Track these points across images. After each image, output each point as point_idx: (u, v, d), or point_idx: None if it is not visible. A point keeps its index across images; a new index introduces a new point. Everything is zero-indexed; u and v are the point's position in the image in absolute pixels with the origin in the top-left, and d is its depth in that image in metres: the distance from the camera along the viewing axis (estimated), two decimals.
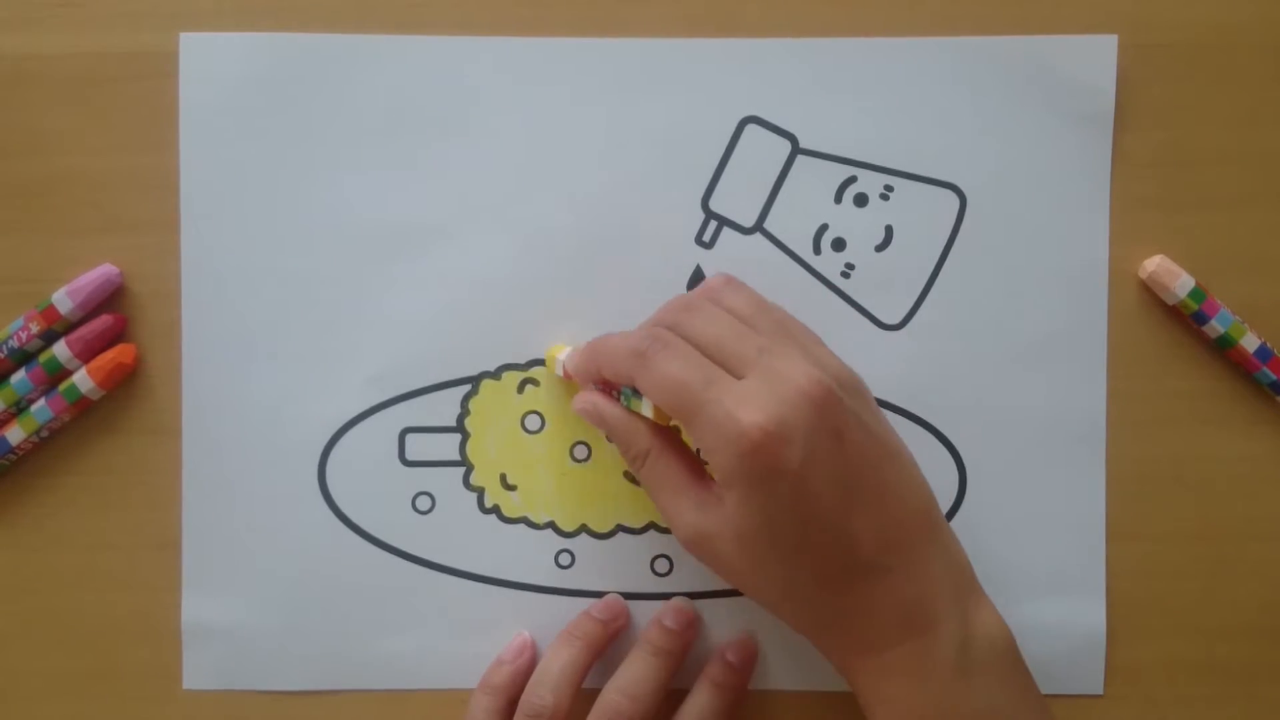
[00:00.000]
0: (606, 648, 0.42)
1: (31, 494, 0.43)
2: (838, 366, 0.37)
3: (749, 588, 0.37)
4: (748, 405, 0.34)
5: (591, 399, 0.39)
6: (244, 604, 0.43)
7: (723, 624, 0.43)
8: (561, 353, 0.42)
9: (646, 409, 0.37)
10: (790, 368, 0.35)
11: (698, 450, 0.40)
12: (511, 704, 0.41)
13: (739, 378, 0.35)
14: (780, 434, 0.33)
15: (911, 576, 0.36)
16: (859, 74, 0.43)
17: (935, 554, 0.36)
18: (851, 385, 0.37)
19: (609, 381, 0.39)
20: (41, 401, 0.42)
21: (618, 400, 0.39)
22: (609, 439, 0.39)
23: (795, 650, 0.43)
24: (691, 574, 0.43)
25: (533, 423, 0.43)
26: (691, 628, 0.42)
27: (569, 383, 0.42)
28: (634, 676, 0.40)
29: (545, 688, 0.40)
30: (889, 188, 0.43)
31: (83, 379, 0.42)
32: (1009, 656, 0.37)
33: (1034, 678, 0.37)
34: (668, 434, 0.38)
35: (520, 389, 0.43)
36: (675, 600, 0.43)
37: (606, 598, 0.43)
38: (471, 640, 0.43)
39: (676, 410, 0.35)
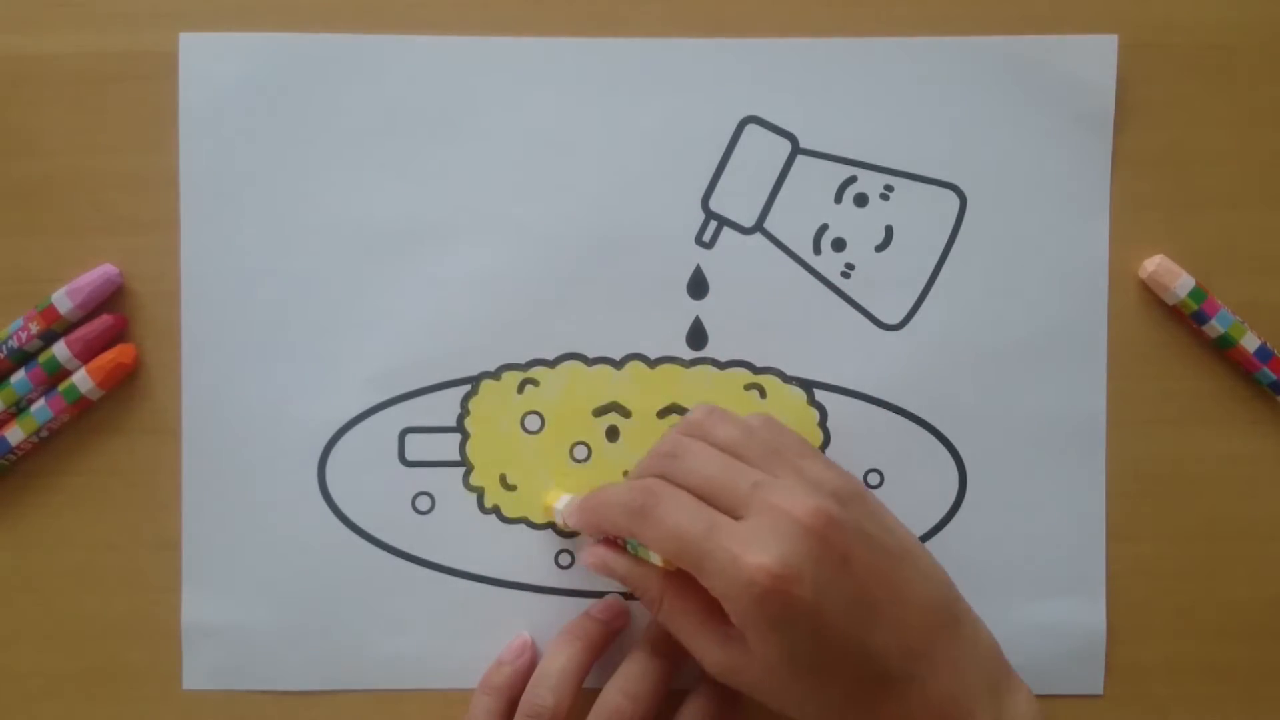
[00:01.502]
0: (607, 648, 0.42)
1: (31, 494, 0.43)
2: (834, 479, 0.37)
3: (788, 712, 0.37)
4: (752, 548, 0.34)
5: (600, 554, 0.39)
6: (244, 604, 0.43)
7: None
8: (559, 502, 0.42)
9: (655, 557, 0.37)
10: (787, 500, 0.35)
11: None
12: (512, 705, 0.41)
13: (737, 517, 0.35)
14: (788, 573, 0.33)
15: (940, 679, 0.35)
16: (859, 74, 0.43)
17: (961, 649, 0.36)
18: (849, 494, 0.36)
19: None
20: (41, 401, 0.42)
21: (624, 549, 0.39)
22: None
23: None
24: None
25: (533, 423, 0.43)
26: None
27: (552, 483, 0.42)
28: (634, 676, 0.40)
29: (545, 688, 0.40)
30: (889, 188, 0.43)
31: (82, 379, 0.42)
32: None
33: (1034, 678, 0.37)
34: (680, 575, 0.37)
35: (520, 389, 0.43)
36: None
37: (606, 598, 0.43)
38: (471, 640, 0.43)
39: (682, 561, 0.35)
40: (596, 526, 0.39)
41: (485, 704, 0.41)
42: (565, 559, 0.43)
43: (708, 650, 0.37)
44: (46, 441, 0.43)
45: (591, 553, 0.40)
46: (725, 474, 0.36)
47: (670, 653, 0.41)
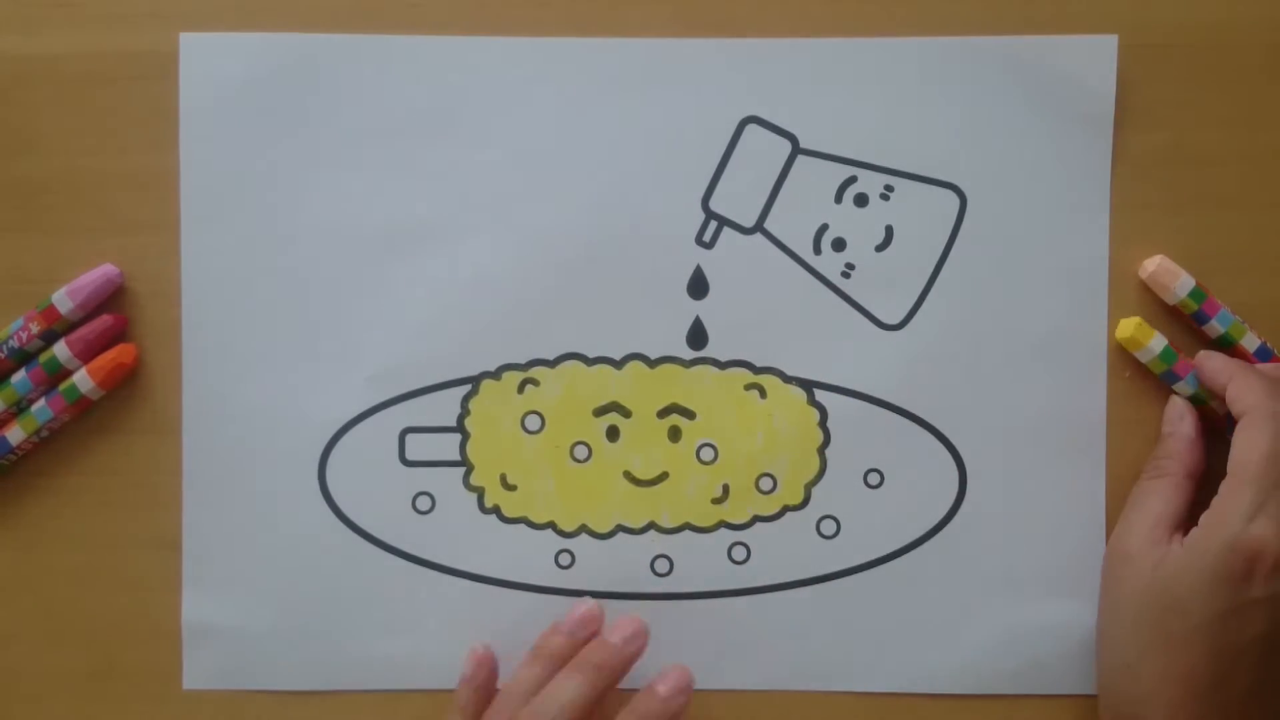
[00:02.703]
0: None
1: (31, 494, 0.43)
2: None
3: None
4: None
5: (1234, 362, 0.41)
6: (244, 604, 0.43)
7: (693, 626, 0.43)
8: (1153, 340, 0.42)
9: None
10: None
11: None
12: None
13: None
14: None
15: None
16: (859, 74, 0.43)
17: None
18: None
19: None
20: (41, 401, 0.42)
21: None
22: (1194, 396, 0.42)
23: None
24: (690, 574, 0.43)
25: (533, 423, 0.43)
26: (637, 639, 0.41)
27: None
28: (561, 701, 0.38)
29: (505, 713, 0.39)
30: (889, 188, 0.43)
31: (83, 379, 0.42)
32: None
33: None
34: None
35: (520, 389, 0.43)
36: (623, 618, 0.41)
37: (577, 607, 0.42)
38: (471, 640, 0.43)
39: None
40: (1223, 385, 0.40)
41: None
42: (565, 559, 0.43)
43: (1154, 530, 0.40)
44: (46, 441, 0.43)
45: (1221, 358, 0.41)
46: None
47: (608, 668, 0.40)
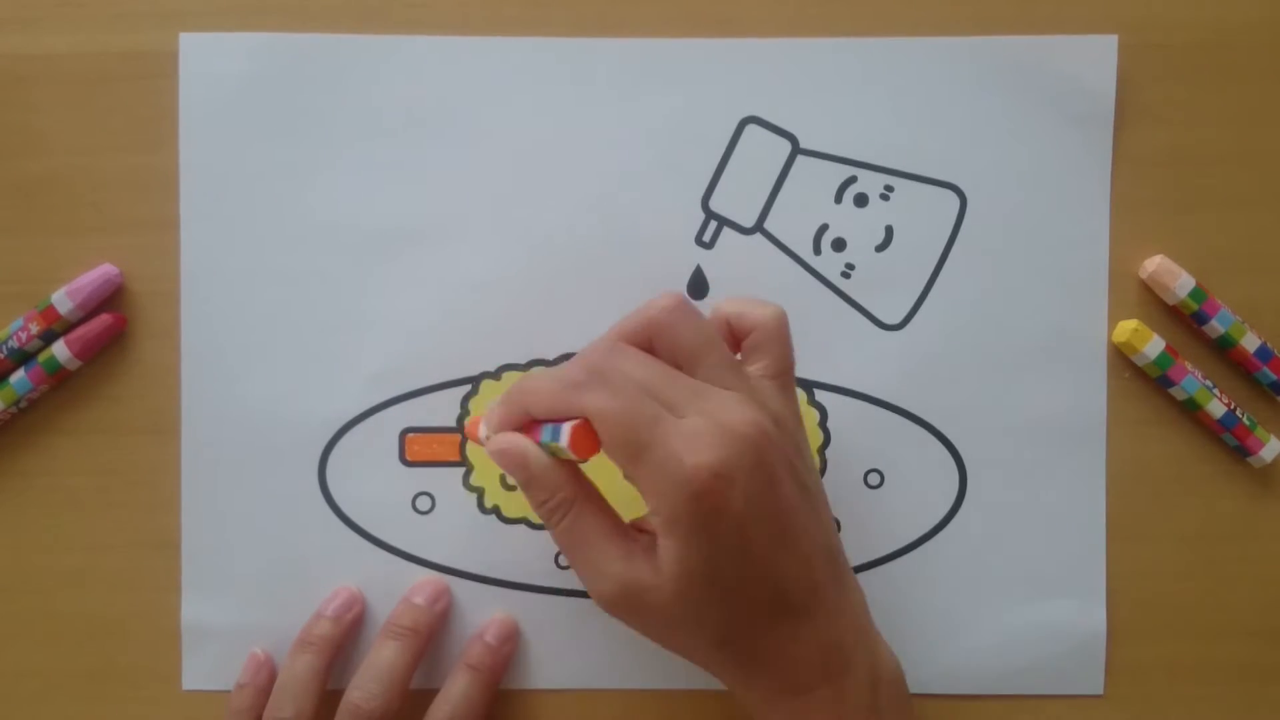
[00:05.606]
0: (344, 646, 0.42)
1: (31, 494, 0.43)
2: (777, 405, 0.36)
3: (681, 635, 0.36)
4: (693, 447, 0.33)
5: (513, 438, 0.36)
6: (244, 604, 0.43)
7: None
8: (1149, 344, 0.41)
9: (565, 439, 0.34)
10: (727, 410, 0.34)
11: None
12: None
13: (678, 418, 0.34)
14: (725, 475, 0.33)
15: (828, 619, 0.36)
16: (859, 74, 0.43)
17: (844, 594, 0.36)
18: (786, 425, 0.36)
19: (531, 427, 0.37)
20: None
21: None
22: (524, 487, 0.36)
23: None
24: None
25: None
26: (441, 600, 0.42)
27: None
28: (376, 672, 0.40)
29: (286, 698, 0.40)
30: (889, 188, 0.43)
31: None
32: (905, 691, 0.38)
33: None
34: (589, 484, 0.37)
35: None
36: (425, 579, 0.43)
37: (338, 589, 0.43)
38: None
39: (621, 447, 0.34)
40: (523, 410, 0.36)
41: None
42: (565, 559, 0.43)
43: (610, 563, 0.35)
44: (46, 440, 0.43)
45: (505, 436, 0.36)
46: (664, 379, 0.35)
47: (416, 631, 0.41)
